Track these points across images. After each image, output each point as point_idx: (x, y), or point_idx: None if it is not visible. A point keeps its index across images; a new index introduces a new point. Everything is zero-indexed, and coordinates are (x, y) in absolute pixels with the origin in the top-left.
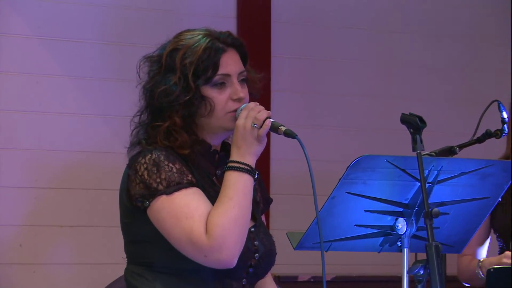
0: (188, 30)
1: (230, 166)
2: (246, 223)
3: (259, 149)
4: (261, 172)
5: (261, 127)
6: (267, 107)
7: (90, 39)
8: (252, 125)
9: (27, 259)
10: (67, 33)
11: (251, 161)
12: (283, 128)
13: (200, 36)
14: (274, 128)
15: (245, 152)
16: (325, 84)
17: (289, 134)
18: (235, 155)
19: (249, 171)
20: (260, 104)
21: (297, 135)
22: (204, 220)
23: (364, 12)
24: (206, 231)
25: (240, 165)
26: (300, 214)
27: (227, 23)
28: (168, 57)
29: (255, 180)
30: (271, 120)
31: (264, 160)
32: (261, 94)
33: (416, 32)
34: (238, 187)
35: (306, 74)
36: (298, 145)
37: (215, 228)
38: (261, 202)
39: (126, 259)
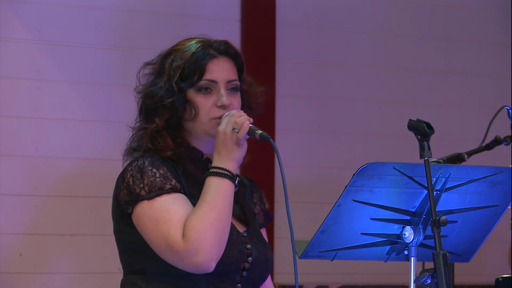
0: (189, 38)
1: (210, 172)
2: (224, 227)
3: (239, 154)
4: (266, 180)
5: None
6: (272, 113)
7: (91, 44)
8: (232, 130)
9: (28, 268)
10: (68, 38)
11: (232, 166)
12: (258, 132)
13: (193, 42)
14: (251, 132)
15: (225, 158)
16: (331, 89)
17: (263, 137)
18: (216, 161)
19: (229, 176)
20: (264, 109)
21: (270, 138)
22: (182, 224)
23: (371, 16)
24: (183, 235)
25: (220, 171)
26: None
27: (231, 26)
28: (160, 62)
29: (236, 186)
30: (250, 124)
31: (269, 168)
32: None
33: (424, 36)
34: (216, 191)
35: (311, 79)
36: (303, 153)
37: (191, 231)
38: (261, 215)
39: (122, 270)
